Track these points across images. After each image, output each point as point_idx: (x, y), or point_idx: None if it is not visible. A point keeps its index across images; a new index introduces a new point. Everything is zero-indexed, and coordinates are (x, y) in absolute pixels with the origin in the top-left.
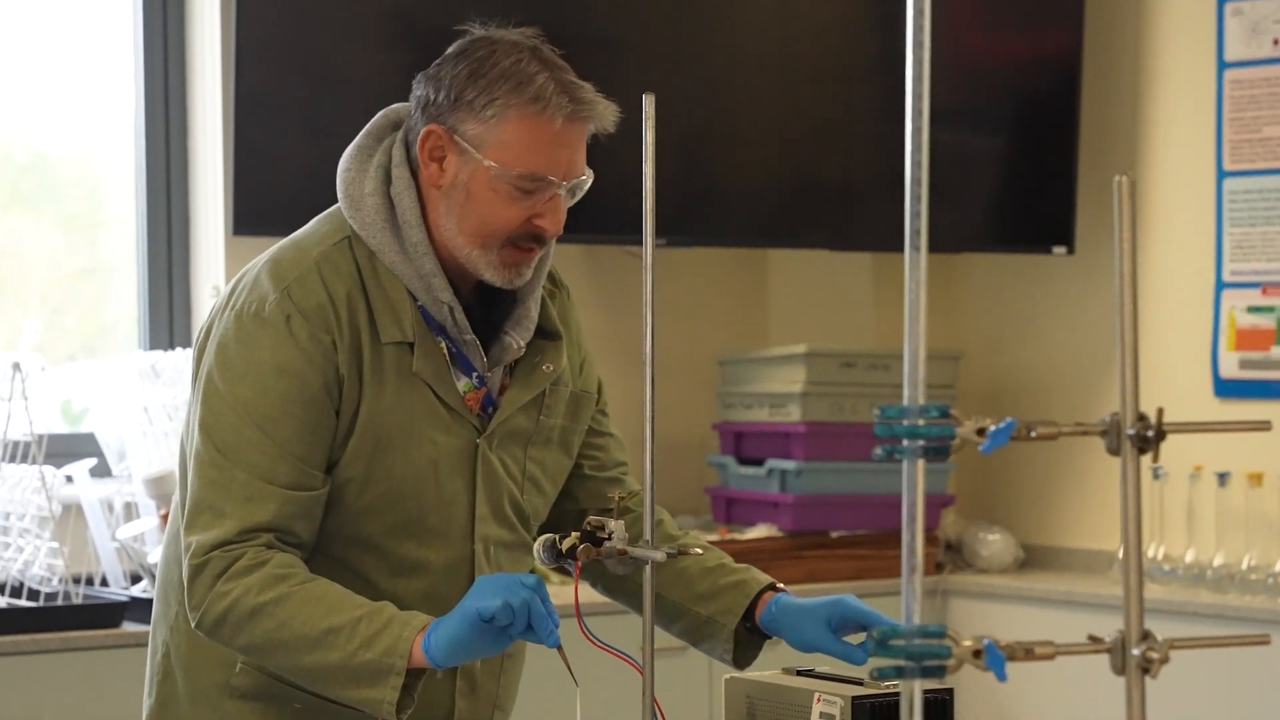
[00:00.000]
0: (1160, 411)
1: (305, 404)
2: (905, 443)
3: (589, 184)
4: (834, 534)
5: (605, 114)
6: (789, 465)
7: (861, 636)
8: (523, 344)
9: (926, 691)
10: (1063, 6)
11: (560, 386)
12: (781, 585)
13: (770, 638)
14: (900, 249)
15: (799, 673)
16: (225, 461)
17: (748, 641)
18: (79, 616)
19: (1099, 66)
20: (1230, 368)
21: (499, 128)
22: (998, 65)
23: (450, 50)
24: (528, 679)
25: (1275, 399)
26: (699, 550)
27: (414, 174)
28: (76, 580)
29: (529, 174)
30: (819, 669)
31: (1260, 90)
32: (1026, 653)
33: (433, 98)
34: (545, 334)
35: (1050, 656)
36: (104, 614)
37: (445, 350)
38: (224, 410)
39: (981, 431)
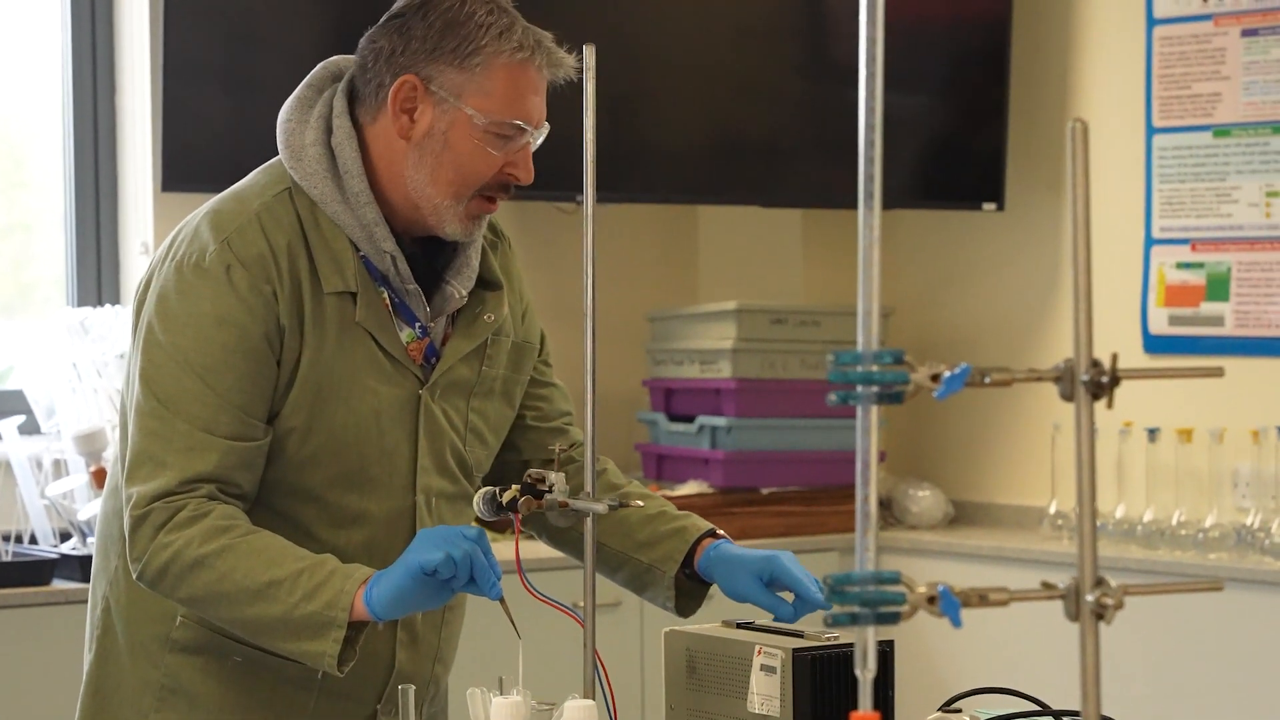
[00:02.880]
0: (1114, 357)
1: (246, 354)
2: (860, 389)
3: (547, 132)
4: (764, 491)
5: (570, 64)
6: (719, 422)
7: (790, 596)
8: (464, 293)
9: None
10: None
11: (502, 337)
12: (721, 532)
13: (711, 584)
14: (829, 205)
15: (739, 625)
16: (166, 412)
17: (689, 590)
18: (8, 574)
19: (1029, 23)
20: (1160, 324)
21: (484, 76)
22: (928, 23)
23: (406, 3)
24: (468, 632)
25: (1204, 355)
26: (640, 502)
27: (357, 125)
28: (5, 538)
29: (508, 122)
30: (759, 621)
31: (1189, 47)
32: (981, 599)
33: (401, 49)
34: (486, 284)
35: (1004, 603)
36: (33, 571)
37: (388, 300)
38: (164, 361)
39: (936, 378)
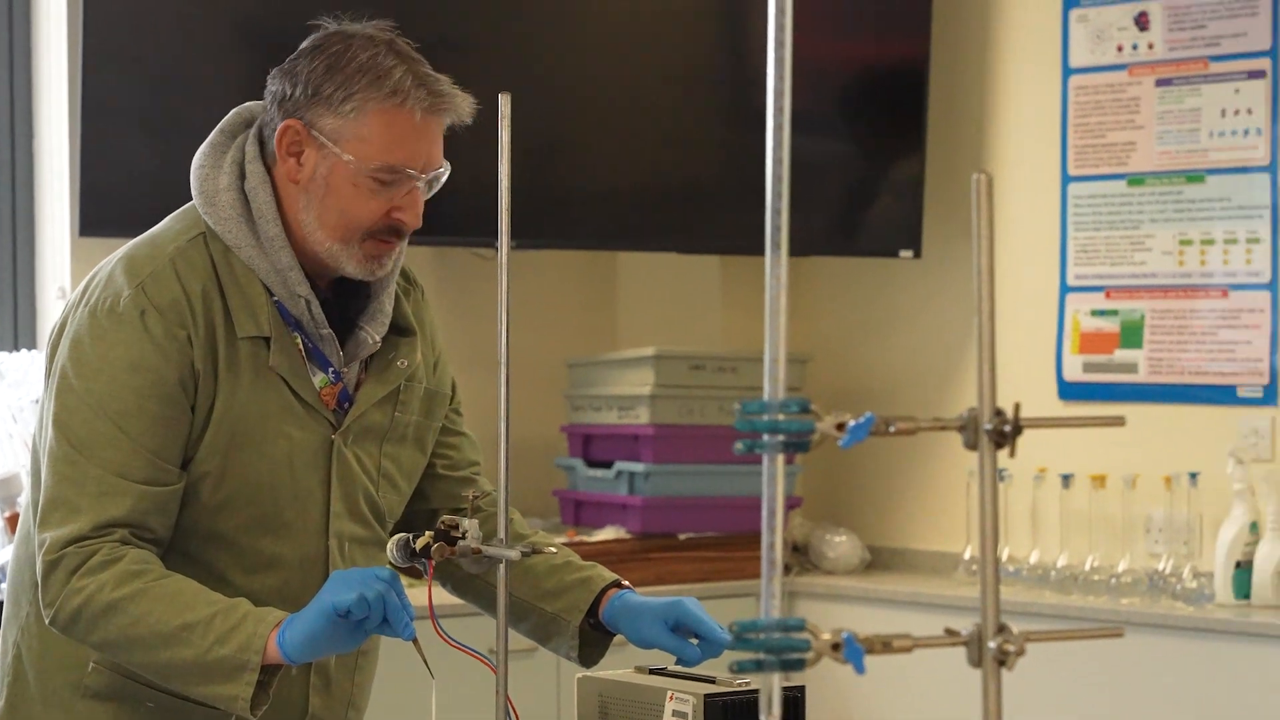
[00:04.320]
0: (1017, 407)
1: (160, 399)
2: (766, 437)
3: (446, 176)
4: (682, 536)
5: (463, 106)
6: (637, 468)
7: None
8: (378, 339)
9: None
10: (910, 12)
11: (415, 383)
12: (626, 583)
13: (616, 636)
14: (748, 252)
15: (652, 671)
16: (79, 457)
17: (593, 639)
18: None
19: (946, 72)
20: (1074, 371)
21: (358, 122)
22: (846, 71)
23: (305, 45)
24: (382, 678)
25: (1118, 402)
26: (553, 549)
27: (268, 169)
28: None
29: (387, 167)
30: (671, 667)
31: (1104, 96)
32: (884, 646)
33: (289, 93)
34: (400, 330)
35: (908, 649)
36: None
37: (301, 345)
38: (78, 406)
39: (841, 426)
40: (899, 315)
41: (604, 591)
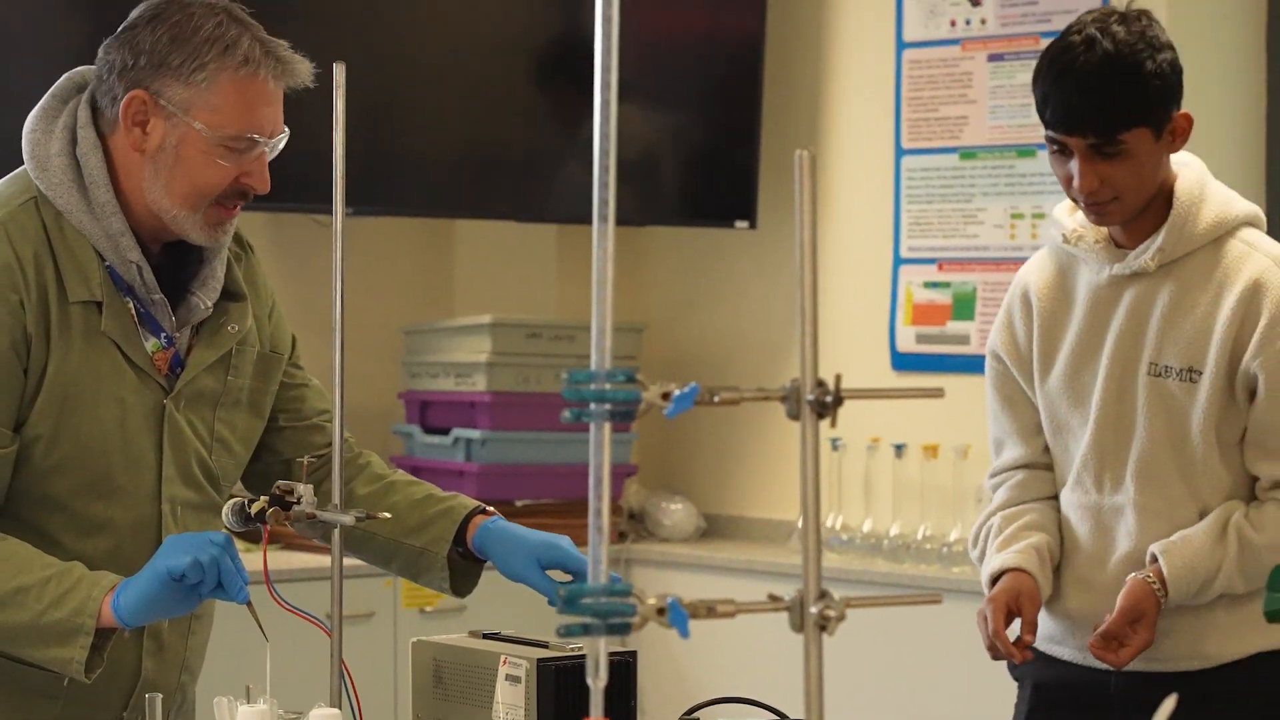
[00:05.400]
0: (838, 378)
1: None
2: (593, 406)
3: (286, 139)
4: (519, 503)
5: (304, 71)
6: (474, 434)
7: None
8: (209, 304)
9: (610, 653)
10: None
11: (247, 347)
12: (492, 509)
13: (485, 562)
14: (585, 221)
15: (485, 635)
16: None
17: (464, 569)
18: None
19: (781, 44)
20: (907, 342)
21: (210, 91)
22: (682, 41)
23: (141, 14)
24: (216, 641)
25: (949, 372)
26: (387, 515)
27: (100, 136)
28: None
29: (240, 135)
30: (505, 631)
31: (937, 70)
32: (709, 610)
33: (131, 63)
34: (231, 295)
35: (731, 614)
36: None
37: (133, 310)
38: None
39: (666, 396)
40: (734, 285)
41: (469, 519)
